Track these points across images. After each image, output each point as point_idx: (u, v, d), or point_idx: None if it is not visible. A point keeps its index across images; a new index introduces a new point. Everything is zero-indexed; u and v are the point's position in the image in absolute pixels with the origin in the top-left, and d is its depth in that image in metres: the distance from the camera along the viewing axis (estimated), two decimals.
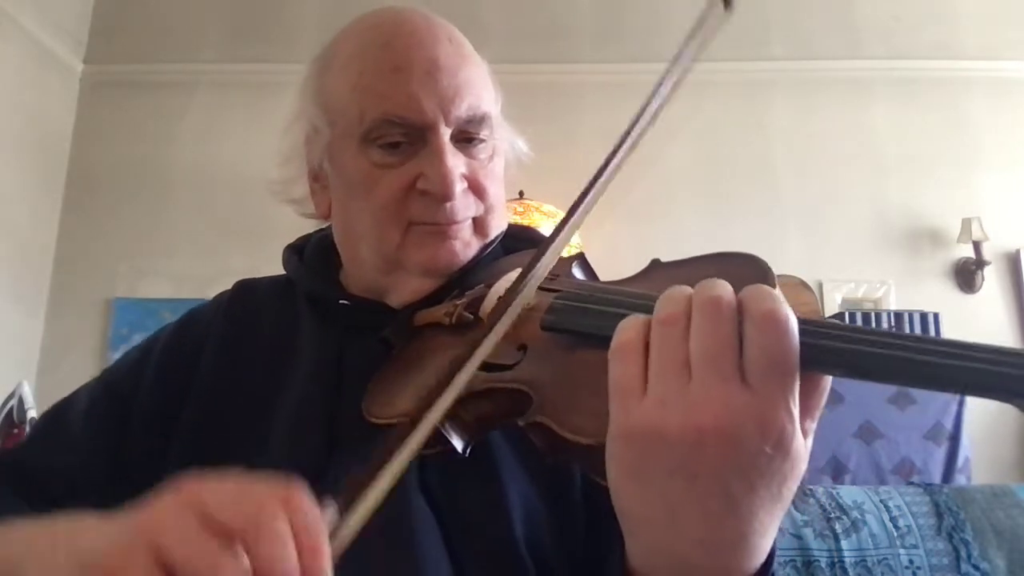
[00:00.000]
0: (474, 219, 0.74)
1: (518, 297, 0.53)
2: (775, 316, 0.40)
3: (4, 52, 2.92)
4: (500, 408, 0.56)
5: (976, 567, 1.66)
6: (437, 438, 0.55)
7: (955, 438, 2.67)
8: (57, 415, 0.75)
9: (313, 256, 0.83)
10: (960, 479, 2.62)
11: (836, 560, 1.66)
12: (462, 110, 0.71)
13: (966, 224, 3.06)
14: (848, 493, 1.83)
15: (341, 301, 0.76)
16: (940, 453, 2.66)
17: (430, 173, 0.69)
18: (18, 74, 3.01)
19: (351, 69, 0.72)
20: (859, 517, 1.74)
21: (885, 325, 3.00)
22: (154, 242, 3.21)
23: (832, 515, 1.74)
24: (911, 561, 1.68)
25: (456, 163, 0.70)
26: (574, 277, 0.67)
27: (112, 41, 3.38)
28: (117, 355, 1.27)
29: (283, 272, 0.84)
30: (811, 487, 1.86)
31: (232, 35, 3.39)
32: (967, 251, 3.13)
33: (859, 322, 2.95)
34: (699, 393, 0.40)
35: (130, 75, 3.38)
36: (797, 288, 3.03)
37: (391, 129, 0.70)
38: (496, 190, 0.76)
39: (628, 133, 0.56)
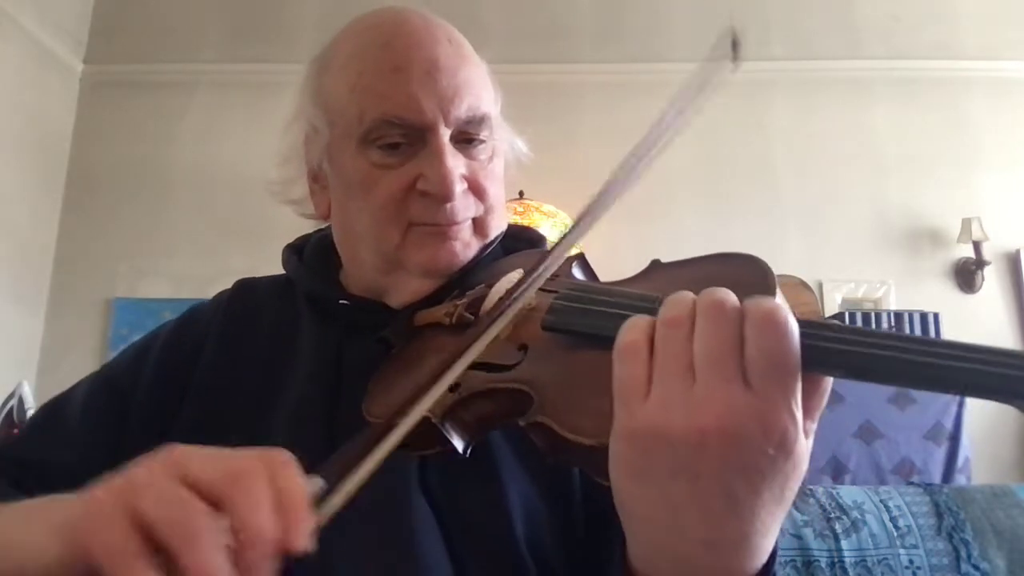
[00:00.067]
0: (474, 220, 0.74)
1: (517, 298, 0.53)
2: (775, 317, 0.40)
3: (4, 52, 2.92)
4: (501, 408, 0.56)
5: (976, 567, 1.66)
6: (437, 438, 0.55)
7: (955, 438, 2.67)
8: (55, 409, 0.75)
9: (313, 256, 0.83)
10: (960, 479, 2.62)
11: (836, 560, 1.66)
12: (462, 111, 0.71)
13: (966, 224, 3.06)
14: (848, 493, 1.83)
15: (341, 301, 0.76)
16: (940, 453, 2.65)
17: (430, 174, 0.69)
18: (18, 74, 3.01)
19: (350, 69, 0.72)
20: (859, 517, 1.74)
21: (885, 325, 3.00)
22: (154, 242, 3.21)
23: (832, 515, 1.74)
24: (911, 561, 1.68)
25: (456, 164, 0.70)
26: (574, 277, 0.66)
27: (112, 41, 3.38)
28: None
29: (283, 272, 0.84)
30: (811, 487, 1.86)
31: (232, 35, 3.39)
32: (967, 251, 3.13)
33: (859, 322, 2.95)
34: (702, 394, 0.41)
35: (130, 75, 3.38)
36: (797, 288, 3.04)
37: (390, 130, 0.70)
38: (496, 190, 0.76)
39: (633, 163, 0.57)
